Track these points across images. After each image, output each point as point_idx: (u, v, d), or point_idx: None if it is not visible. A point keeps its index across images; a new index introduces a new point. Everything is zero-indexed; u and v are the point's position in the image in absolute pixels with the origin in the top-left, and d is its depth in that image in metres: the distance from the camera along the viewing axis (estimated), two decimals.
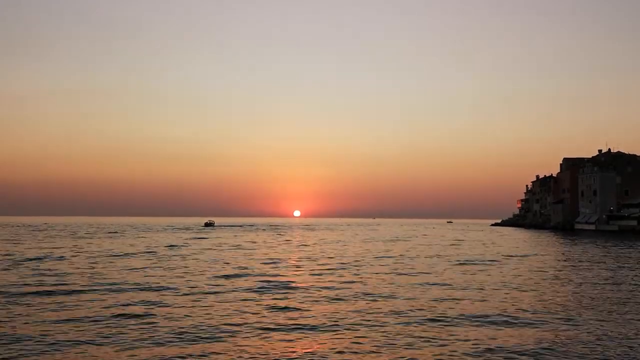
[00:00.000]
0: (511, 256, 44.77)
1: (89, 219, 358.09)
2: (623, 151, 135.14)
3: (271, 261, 38.51)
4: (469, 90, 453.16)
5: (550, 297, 21.86)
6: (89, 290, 22.90)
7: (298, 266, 35.13)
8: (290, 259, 41.34)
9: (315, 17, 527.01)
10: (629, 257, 44.33)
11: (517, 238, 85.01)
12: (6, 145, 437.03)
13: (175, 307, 18.97)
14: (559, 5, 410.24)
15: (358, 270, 32.54)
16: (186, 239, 72.61)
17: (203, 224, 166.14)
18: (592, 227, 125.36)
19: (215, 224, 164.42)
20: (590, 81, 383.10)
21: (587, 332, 15.27)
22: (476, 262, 38.89)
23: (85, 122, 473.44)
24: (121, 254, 44.84)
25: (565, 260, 40.56)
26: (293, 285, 25.23)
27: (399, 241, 71.87)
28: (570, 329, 15.77)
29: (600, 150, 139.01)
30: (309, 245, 60.72)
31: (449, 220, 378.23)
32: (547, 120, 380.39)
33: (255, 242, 66.65)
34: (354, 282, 26.58)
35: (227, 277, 28.42)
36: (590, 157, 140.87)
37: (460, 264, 37.39)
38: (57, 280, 26.18)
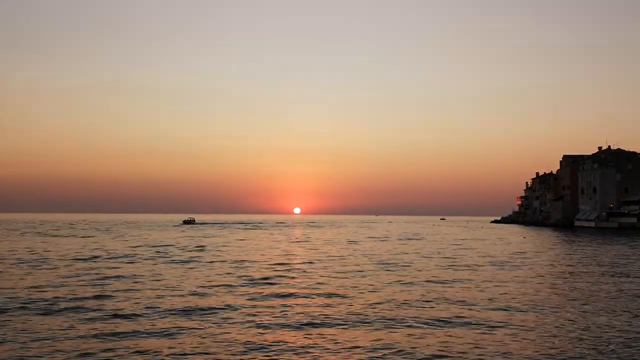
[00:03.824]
0: None
1: (83, 215, 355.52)
2: (623, 148, 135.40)
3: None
4: (468, 88, 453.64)
5: None
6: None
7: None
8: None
9: (314, 11, 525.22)
10: None
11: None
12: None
13: None
14: (559, 0, 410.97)
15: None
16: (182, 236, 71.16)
17: (182, 221, 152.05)
18: (592, 224, 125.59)
19: (195, 221, 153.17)
20: (590, 78, 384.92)
21: None
22: None
23: (80, 119, 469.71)
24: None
25: None
26: None
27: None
28: None
29: (600, 148, 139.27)
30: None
31: (442, 218, 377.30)
32: (547, 117, 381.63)
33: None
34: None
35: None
36: (590, 154, 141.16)
37: None
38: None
